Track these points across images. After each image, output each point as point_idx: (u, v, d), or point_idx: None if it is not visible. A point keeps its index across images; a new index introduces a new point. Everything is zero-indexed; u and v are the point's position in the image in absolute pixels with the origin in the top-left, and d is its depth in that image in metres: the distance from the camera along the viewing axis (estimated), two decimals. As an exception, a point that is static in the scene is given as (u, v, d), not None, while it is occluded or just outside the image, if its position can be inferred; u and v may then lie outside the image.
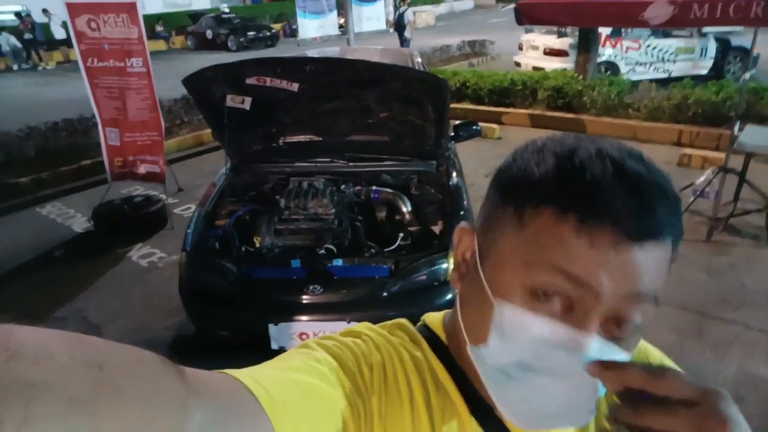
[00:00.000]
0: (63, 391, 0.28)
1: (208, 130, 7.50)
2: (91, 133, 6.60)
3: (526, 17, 4.25)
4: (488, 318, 0.51)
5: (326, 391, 0.50)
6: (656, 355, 0.69)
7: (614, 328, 0.47)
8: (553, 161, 0.48)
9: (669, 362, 0.69)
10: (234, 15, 21.59)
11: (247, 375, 0.46)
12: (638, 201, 0.45)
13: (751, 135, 4.21)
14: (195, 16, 22.07)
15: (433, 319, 0.66)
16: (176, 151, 7.02)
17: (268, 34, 20.28)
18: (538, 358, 0.48)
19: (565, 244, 0.45)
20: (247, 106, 2.99)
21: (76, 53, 4.61)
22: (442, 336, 0.63)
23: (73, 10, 4.45)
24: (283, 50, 18.18)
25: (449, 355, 0.60)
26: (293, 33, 23.21)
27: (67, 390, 0.28)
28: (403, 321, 0.66)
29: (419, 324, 0.67)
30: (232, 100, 2.96)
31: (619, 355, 0.47)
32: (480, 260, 0.53)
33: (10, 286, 3.92)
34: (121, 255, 4.35)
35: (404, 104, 3.06)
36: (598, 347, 0.46)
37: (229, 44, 19.16)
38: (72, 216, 5.18)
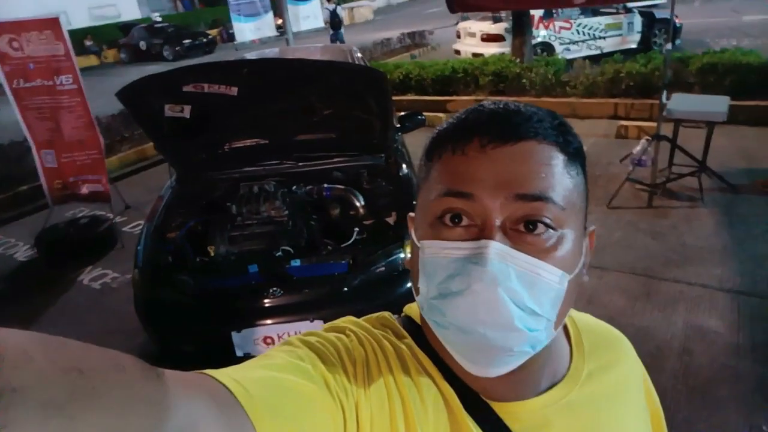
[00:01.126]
0: (41, 396, 0.28)
1: (151, 144, 7.34)
2: (26, 158, 6.29)
3: (457, 5, 4.32)
4: (418, 264, 0.55)
5: (309, 388, 0.50)
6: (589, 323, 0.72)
7: (525, 235, 0.50)
8: (447, 121, 0.57)
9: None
10: (167, 24, 20.99)
11: (227, 375, 0.46)
12: (499, 117, 0.53)
13: (678, 102, 4.44)
14: (126, 27, 21.30)
15: (414, 309, 0.66)
16: (119, 168, 6.79)
17: (205, 40, 19.84)
18: (454, 280, 0.50)
19: (448, 168, 0.53)
20: (186, 114, 2.93)
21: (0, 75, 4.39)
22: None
23: (-8, 30, 4.24)
24: (222, 56, 17.78)
25: (430, 344, 0.61)
26: (231, 37, 22.70)
27: (45, 394, 0.28)
28: (386, 314, 0.67)
29: (401, 315, 0.67)
30: (170, 110, 2.89)
31: (531, 261, 0.49)
32: (414, 229, 0.58)
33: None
34: (72, 280, 4.20)
35: (346, 100, 3.07)
36: (498, 251, 0.49)
37: (165, 54, 18.63)
38: (14, 245, 4.95)
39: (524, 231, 0.50)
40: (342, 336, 0.60)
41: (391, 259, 2.69)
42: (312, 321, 2.54)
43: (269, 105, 3.14)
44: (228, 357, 2.58)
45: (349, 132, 3.36)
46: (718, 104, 4.31)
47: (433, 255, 0.52)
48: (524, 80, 7.40)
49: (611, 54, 7.83)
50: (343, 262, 2.71)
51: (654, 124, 4.95)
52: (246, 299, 2.59)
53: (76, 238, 4.55)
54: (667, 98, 4.38)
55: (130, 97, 2.67)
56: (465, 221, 0.51)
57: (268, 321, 2.54)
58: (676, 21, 9.24)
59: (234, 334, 2.53)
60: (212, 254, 2.85)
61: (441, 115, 7.30)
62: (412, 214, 0.61)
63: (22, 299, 3.99)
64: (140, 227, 4.97)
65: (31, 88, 4.38)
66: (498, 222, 0.50)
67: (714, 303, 3.15)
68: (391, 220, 3.06)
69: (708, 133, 4.43)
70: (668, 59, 4.35)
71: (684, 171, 4.54)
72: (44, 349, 0.31)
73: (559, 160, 0.51)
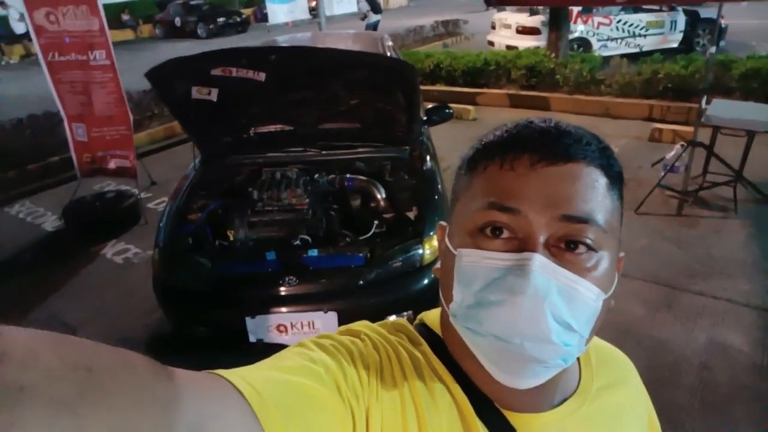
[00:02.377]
0: (50, 394, 0.28)
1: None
2: (58, 130, 6.39)
3: None
4: (452, 271, 0.55)
5: (320, 392, 0.50)
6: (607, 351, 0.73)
7: (566, 253, 0.51)
8: (493, 133, 0.58)
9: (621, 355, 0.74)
10: (203, 1, 21.04)
11: (238, 376, 0.46)
12: (550, 136, 0.53)
13: (718, 108, 4.28)
14: (162, 3, 21.47)
15: (430, 317, 0.67)
16: (148, 144, 6.88)
17: (239, 19, 19.89)
18: (495, 289, 0.51)
19: (494, 180, 0.53)
20: (214, 97, 2.94)
21: (35, 48, 4.46)
22: (440, 332, 0.64)
23: (31, 3, 4.30)
24: (254, 36, 17.83)
25: (448, 351, 0.61)
26: (264, 18, 22.78)
27: (53, 393, 0.28)
28: (402, 321, 0.67)
29: (417, 323, 0.68)
30: (198, 93, 2.91)
31: (572, 277, 0.50)
32: (449, 237, 0.58)
33: (-20, 290, 3.84)
34: (95, 253, 4.28)
35: (374, 91, 3.04)
36: (542, 264, 0.49)
37: (199, 31, 18.75)
38: (42, 215, 5.07)
39: (565, 249, 0.51)
40: (356, 340, 0.60)
41: (408, 255, 2.66)
42: (326, 312, 2.54)
43: (296, 92, 3.13)
44: (241, 342, 2.61)
45: (375, 123, 3.33)
46: (760, 113, 4.14)
47: (473, 263, 0.53)
48: (558, 76, 7.24)
49: (651, 53, 7.59)
50: (361, 255, 2.69)
51: (690, 129, 4.80)
52: (262, 286, 2.60)
53: (102, 211, 4.64)
54: (707, 103, 4.22)
55: (158, 77, 2.68)
56: (506, 234, 0.52)
57: (283, 309, 2.56)
58: (722, 21, 8.89)
59: (248, 320, 2.55)
60: (231, 239, 2.86)
61: (470, 107, 7.20)
62: (443, 223, 0.62)
63: (46, 269, 4.09)
64: (164, 204, 5.09)
65: (65, 62, 4.45)
66: (541, 237, 0.51)
67: (739, 319, 3.05)
68: (411, 215, 3.03)
69: (747, 142, 4.26)
70: (711, 62, 4.19)
71: (718, 180, 4.39)
72: (52, 347, 0.31)
73: (602, 183, 0.53)
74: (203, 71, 2.76)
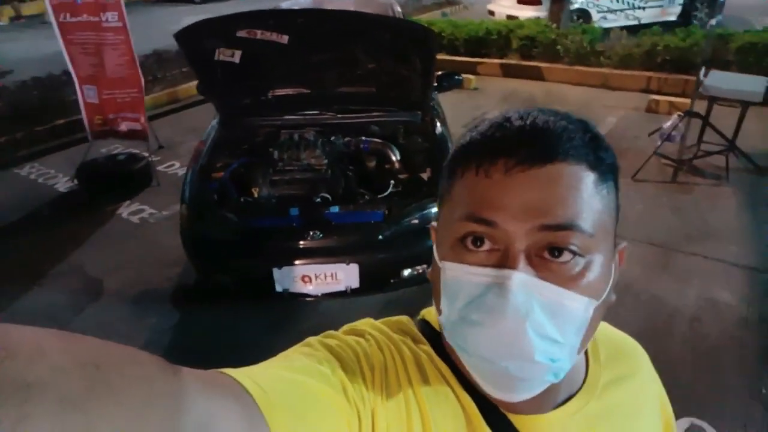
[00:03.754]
0: (57, 391, 0.28)
1: (183, 87, 7.44)
2: (63, 92, 6.45)
3: None
4: (439, 283, 0.54)
5: (326, 392, 0.50)
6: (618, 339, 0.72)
7: (550, 262, 0.49)
8: (470, 134, 0.54)
9: (632, 342, 0.73)
10: (195, -36, 20.54)
11: (245, 375, 0.46)
12: (527, 136, 0.50)
13: (715, 79, 4.44)
14: (154, -35, 20.92)
15: (432, 314, 0.65)
16: (151, 108, 6.87)
17: (233, -17, 19.43)
18: (475, 309, 0.49)
19: (470, 189, 0.51)
20: (236, 59, 3.04)
21: (47, 8, 4.47)
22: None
23: (42, -38, 4.30)
24: (251, 2, 17.53)
25: (448, 353, 0.60)
26: (258, -18, 22.38)
27: (60, 390, 0.28)
28: (404, 319, 0.67)
29: (419, 318, 0.67)
30: (222, 54, 3.00)
31: (555, 290, 0.48)
32: (436, 244, 0.57)
33: (2, 246, 3.96)
34: (111, 212, 4.40)
35: (392, 55, 3.15)
36: (522, 282, 0.47)
37: (193, -5, 18.33)
38: (53, 176, 5.15)
39: (549, 258, 0.49)
40: (361, 340, 0.60)
41: (424, 212, 2.83)
42: (348, 264, 2.72)
43: (315, 55, 3.23)
44: (267, 291, 2.78)
45: (390, 87, 3.44)
46: (755, 84, 4.31)
47: (455, 278, 0.51)
48: (559, 47, 7.32)
49: (649, 26, 7.66)
50: (379, 211, 2.85)
51: (686, 101, 4.96)
52: (287, 239, 2.76)
53: (115, 173, 4.74)
54: (705, 75, 4.37)
55: (187, 38, 2.77)
56: (487, 245, 0.50)
57: (307, 261, 2.72)
58: (720, -5, 8.97)
59: (275, 270, 2.72)
60: (256, 195, 3.00)
61: (471, 77, 7.28)
62: (434, 224, 0.60)
63: (65, 226, 4.21)
64: (173, 167, 5.21)
65: (77, 23, 4.47)
66: (521, 248, 0.48)
67: (729, 278, 3.28)
68: (425, 176, 3.19)
69: (741, 113, 4.43)
70: (711, 36, 4.32)
71: (712, 149, 4.58)
72: (59, 344, 0.31)
73: (589, 180, 0.49)
74: (230, 33, 2.85)
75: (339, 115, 3.48)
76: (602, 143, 0.52)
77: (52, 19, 4.46)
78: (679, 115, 4.59)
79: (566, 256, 0.48)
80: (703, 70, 4.34)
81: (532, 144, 0.49)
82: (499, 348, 0.48)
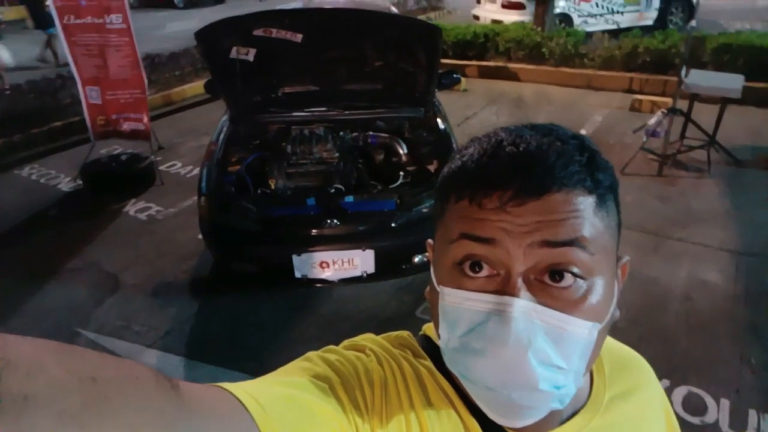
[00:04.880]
0: (54, 405, 0.28)
1: (177, 89, 7.52)
2: (59, 95, 6.50)
3: None
4: (437, 308, 0.53)
5: (325, 408, 0.50)
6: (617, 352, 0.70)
7: (551, 287, 0.47)
8: (459, 158, 0.53)
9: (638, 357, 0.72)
10: (178, -30, 20.54)
11: (242, 390, 0.46)
12: (521, 168, 0.48)
13: (696, 78, 4.71)
14: (135, -30, 20.86)
15: (433, 330, 0.63)
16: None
17: (217, -11, 19.49)
18: (476, 337, 0.48)
19: (465, 214, 0.49)
20: (251, 57, 3.17)
21: (51, 10, 4.55)
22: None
23: (46, -35, 4.38)
24: (233, 6, 17.59)
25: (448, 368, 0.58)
26: (241, -12, 22.43)
27: (58, 403, 0.28)
28: (405, 334, 0.66)
29: (420, 334, 0.66)
30: (237, 52, 3.13)
31: (558, 317, 0.47)
32: (433, 265, 0.56)
33: (15, 244, 4.01)
34: (117, 211, 4.47)
35: (399, 52, 3.32)
36: (524, 309, 0.46)
37: (176, 1, 18.35)
38: (55, 177, 5.19)
39: (550, 282, 0.47)
40: (361, 355, 0.59)
41: (434, 200, 2.99)
42: (364, 250, 2.87)
43: (325, 53, 3.38)
44: (286, 278, 2.91)
45: (395, 84, 3.61)
46: (733, 81, 4.59)
47: (454, 304, 0.50)
48: (544, 49, 7.59)
49: (628, 29, 8.00)
50: (392, 200, 3.01)
51: (667, 99, 5.23)
52: (306, 227, 2.90)
53: (120, 172, 4.81)
54: (686, 74, 4.64)
55: (206, 36, 2.90)
56: (486, 270, 0.49)
57: (326, 247, 2.87)
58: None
59: (294, 257, 2.85)
60: (273, 187, 3.13)
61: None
62: (431, 241, 0.59)
63: (74, 225, 4.27)
64: (175, 167, 5.31)
65: (81, 24, 4.54)
66: (521, 271, 0.47)
67: (715, 259, 3.51)
68: (432, 167, 3.36)
69: (721, 109, 4.71)
70: (690, 37, 4.59)
71: (694, 144, 4.84)
72: (57, 357, 0.31)
73: (587, 204, 0.48)
74: (247, 31, 2.99)
75: (346, 112, 3.63)
76: (600, 163, 0.51)
77: (56, 20, 4.53)
78: (662, 112, 4.84)
79: (568, 280, 0.47)
80: (684, 69, 4.61)
81: (527, 176, 0.47)
82: (502, 377, 0.47)
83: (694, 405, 2.47)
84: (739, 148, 4.98)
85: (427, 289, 0.57)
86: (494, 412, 0.52)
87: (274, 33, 3.02)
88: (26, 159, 5.60)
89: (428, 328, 0.65)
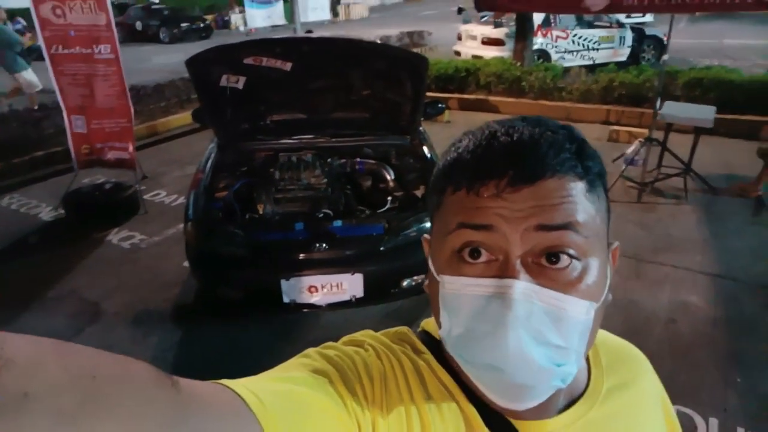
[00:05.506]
0: (53, 403, 0.28)
1: (161, 120, 7.55)
2: (41, 125, 6.47)
3: (484, 3, 4.78)
4: (438, 297, 0.54)
5: (325, 403, 0.50)
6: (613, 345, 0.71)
7: (548, 269, 0.49)
8: (455, 150, 0.54)
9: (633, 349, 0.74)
10: (163, 6, 20.92)
11: (242, 386, 0.46)
12: (515, 157, 0.49)
13: (671, 109, 4.90)
14: (121, 6, 21.14)
15: (432, 324, 0.65)
16: (131, 141, 6.95)
17: (202, 25, 19.85)
18: (478, 321, 0.49)
19: (462, 204, 0.51)
20: (240, 85, 3.23)
21: (39, 40, 4.57)
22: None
23: (36, -4, 4.42)
24: (218, 41, 17.85)
25: (449, 362, 0.59)
26: (225, 24, 22.81)
27: (57, 402, 0.28)
28: (404, 330, 0.66)
29: (419, 330, 0.67)
30: (227, 80, 3.19)
31: (557, 296, 0.48)
32: (431, 258, 0.57)
33: (-7, 273, 3.92)
34: (100, 239, 4.41)
35: (386, 81, 3.40)
36: (523, 290, 0.48)
37: (161, 36, 18.61)
38: (36, 206, 5.12)
39: (547, 264, 0.49)
40: (360, 350, 0.60)
41: (422, 224, 3.03)
42: (353, 274, 2.86)
43: (313, 81, 3.46)
44: (275, 303, 2.89)
45: (381, 113, 3.69)
46: (706, 112, 4.78)
47: (455, 291, 0.51)
48: (524, 83, 7.83)
49: (603, 65, 8.32)
50: (380, 225, 3.03)
51: (643, 130, 5.41)
52: (294, 252, 2.90)
53: (103, 201, 4.76)
54: (660, 106, 4.83)
55: (197, 64, 2.95)
56: (485, 256, 0.50)
57: (314, 271, 2.86)
58: (664, 38, 9.80)
59: (282, 282, 2.84)
60: (261, 212, 3.14)
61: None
62: (427, 236, 0.60)
63: (55, 253, 4.19)
64: (159, 196, 5.28)
65: (69, 54, 4.56)
66: (519, 254, 0.49)
67: (695, 283, 3.58)
68: (419, 193, 3.40)
69: (695, 138, 4.89)
70: (663, 70, 4.80)
71: (671, 172, 5.00)
72: (56, 355, 0.31)
73: (579, 189, 0.50)
74: (237, 60, 3.05)
75: (333, 139, 3.68)
76: (589, 151, 0.53)
77: (44, 50, 4.55)
78: (640, 141, 5.01)
79: (564, 261, 0.49)
80: (659, 101, 4.79)
81: (521, 164, 0.49)
82: (505, 357, 0.48)
83: (684, 424, 2.42)
84: (713, 176, 5.15)
85: (426, 282, 0.58)
86: (497, 395, 0.53)
87: (264, 62, 3.09)
88: (6, 189, 5.52)
89: (427, 324, 0.66)
